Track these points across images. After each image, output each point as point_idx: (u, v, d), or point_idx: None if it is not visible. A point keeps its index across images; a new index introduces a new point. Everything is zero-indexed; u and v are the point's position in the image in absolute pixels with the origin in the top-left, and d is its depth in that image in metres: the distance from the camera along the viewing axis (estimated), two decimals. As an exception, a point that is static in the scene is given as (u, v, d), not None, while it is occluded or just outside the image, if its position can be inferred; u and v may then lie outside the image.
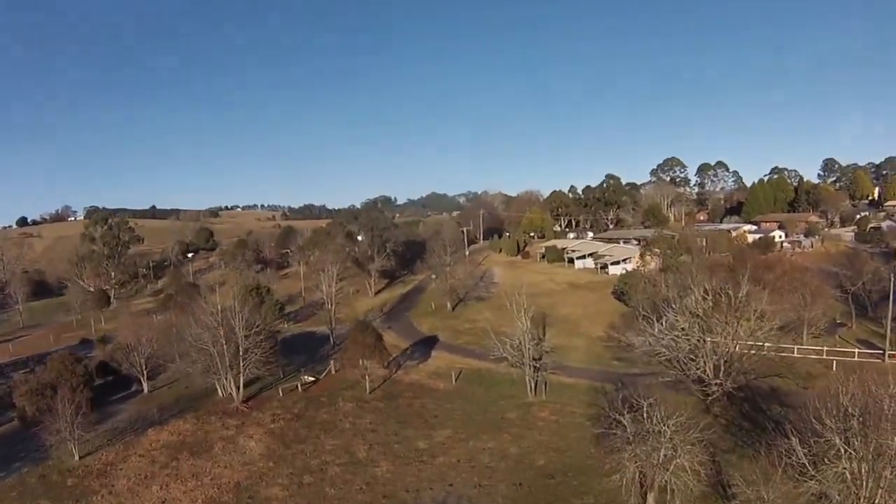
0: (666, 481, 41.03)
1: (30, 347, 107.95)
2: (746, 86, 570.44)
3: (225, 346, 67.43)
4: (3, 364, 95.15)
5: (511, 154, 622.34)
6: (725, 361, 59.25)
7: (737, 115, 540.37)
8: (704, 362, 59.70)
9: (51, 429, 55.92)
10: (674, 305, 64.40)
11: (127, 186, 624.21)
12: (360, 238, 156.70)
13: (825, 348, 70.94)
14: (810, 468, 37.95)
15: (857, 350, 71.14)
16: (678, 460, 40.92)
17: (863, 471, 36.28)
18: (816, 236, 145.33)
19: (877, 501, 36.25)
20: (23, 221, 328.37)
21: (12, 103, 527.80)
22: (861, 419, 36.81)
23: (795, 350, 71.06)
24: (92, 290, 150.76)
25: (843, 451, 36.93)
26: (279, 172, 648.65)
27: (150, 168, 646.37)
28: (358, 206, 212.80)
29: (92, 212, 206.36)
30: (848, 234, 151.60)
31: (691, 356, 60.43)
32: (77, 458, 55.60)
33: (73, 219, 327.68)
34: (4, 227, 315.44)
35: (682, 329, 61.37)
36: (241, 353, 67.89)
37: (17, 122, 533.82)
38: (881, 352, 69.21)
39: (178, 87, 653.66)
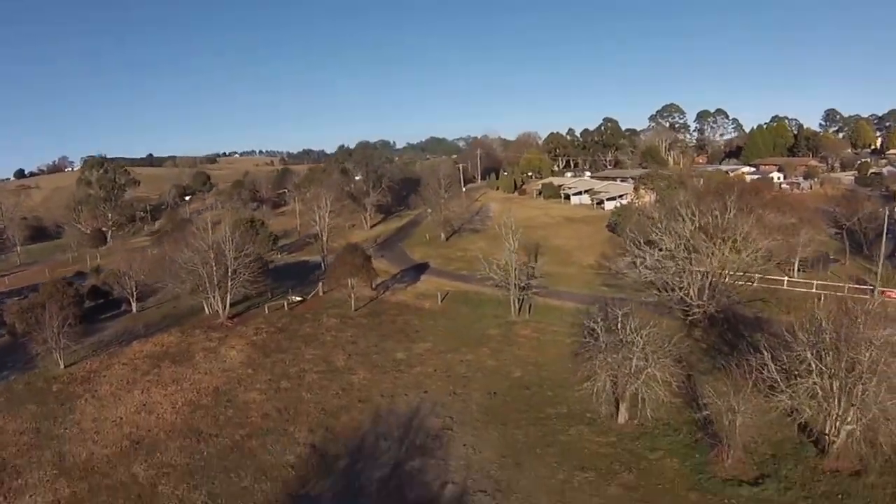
0: (637, 390, 41.33)
1: (25, 280, 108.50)
2: (747, 32, 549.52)
3: (214, 267, 67.59)
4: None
5: (510, 97, 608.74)
6: (710, 284, 59.05)
7: (737, 63, 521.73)
8: (689, 284, 59.51)
9: (37, 339, 56.84)
10: (659, 225, 63.88)
11: (123, 135, 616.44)
12: (357, 178, 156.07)
13: (815, 282, 70.57)
14: (781, 383, 37.81)
15: (846, 285, 70.74)
16: (650, 370, 41.18)
17: (834, 387, 35.80)
18: (815, 179, 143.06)
19: (850, 419, 35.76)
20: (20, 173, 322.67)
21: (5, 55, 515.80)
22: (835, 333, 36.06)
23: (785, 282, 70.79)
24: (88, 232, 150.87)
25: (814, 366, 36.56)
26: (277, 117, 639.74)
27: (145, 116, 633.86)
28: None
29: (89, 160, 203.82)
30: (848, 178, 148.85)
31: (677, 277, 60.21)
32: (62, 366, 56.44)
33: (70, 170, 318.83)
34: (2, 180, 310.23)
35: (669, 249, 60.98)
36: (229, 274, 68.18)
37: (12, 72, 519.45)
38: (871, 288, 68.80)
39: (174, 32, 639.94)
